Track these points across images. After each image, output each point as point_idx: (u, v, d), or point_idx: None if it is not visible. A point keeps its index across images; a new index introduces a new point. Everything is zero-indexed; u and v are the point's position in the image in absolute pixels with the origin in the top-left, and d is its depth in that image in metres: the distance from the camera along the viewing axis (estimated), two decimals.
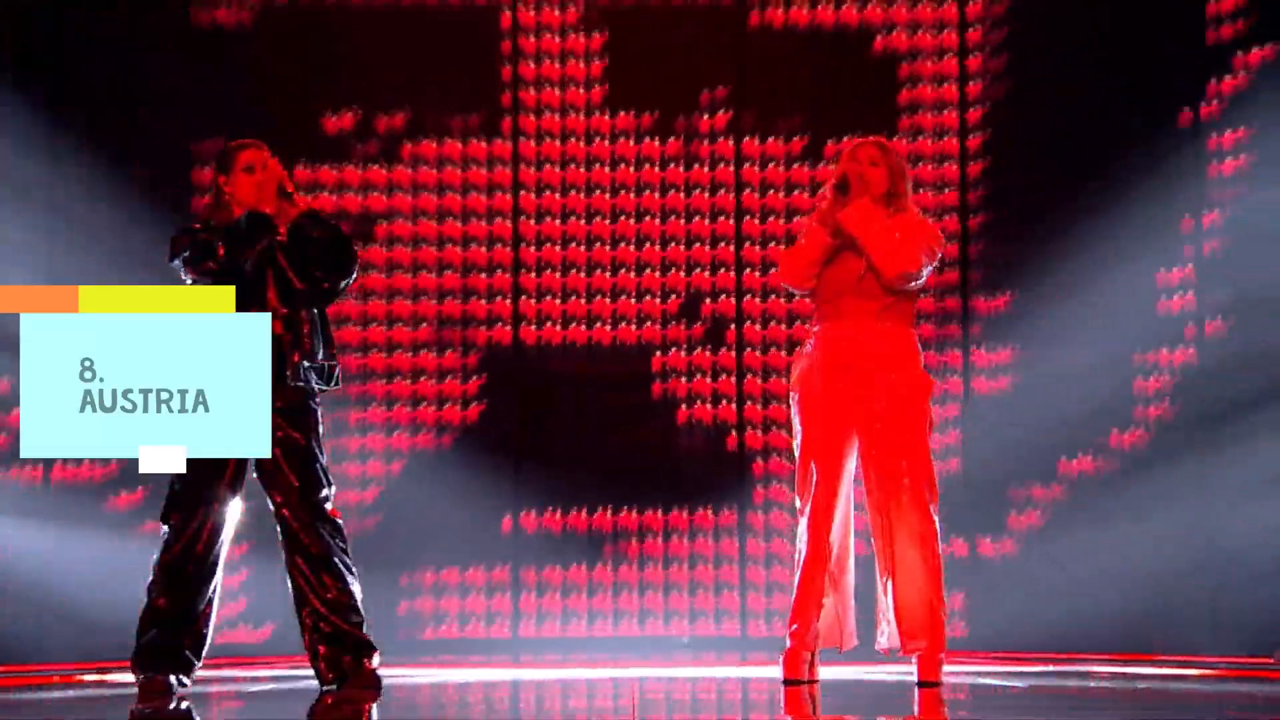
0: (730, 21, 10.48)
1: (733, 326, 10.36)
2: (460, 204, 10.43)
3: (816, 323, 6.97)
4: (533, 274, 10.41)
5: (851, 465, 6.91)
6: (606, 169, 10.46)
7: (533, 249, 10.43)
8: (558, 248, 10.44)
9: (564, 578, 10.25)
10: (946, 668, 6.87)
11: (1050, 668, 8.37)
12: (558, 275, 10.43)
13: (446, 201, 10.43)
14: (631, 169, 10.46)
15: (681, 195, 10.45)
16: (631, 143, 10.47)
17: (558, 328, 10.40)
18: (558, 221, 10.44)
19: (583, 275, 10.43)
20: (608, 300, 10.42)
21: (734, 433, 10.33)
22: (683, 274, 10.42)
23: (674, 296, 10.41)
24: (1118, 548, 9.80)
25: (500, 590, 10.24)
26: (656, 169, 10.45)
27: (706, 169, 10.44)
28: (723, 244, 10.44)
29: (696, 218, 10.44)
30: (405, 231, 10.42)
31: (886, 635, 6.87)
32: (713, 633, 10.24)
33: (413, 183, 10.43)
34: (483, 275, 10.41)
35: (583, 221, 10.45)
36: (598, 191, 10.46)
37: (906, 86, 10.44)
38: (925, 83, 10.43)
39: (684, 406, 10.34)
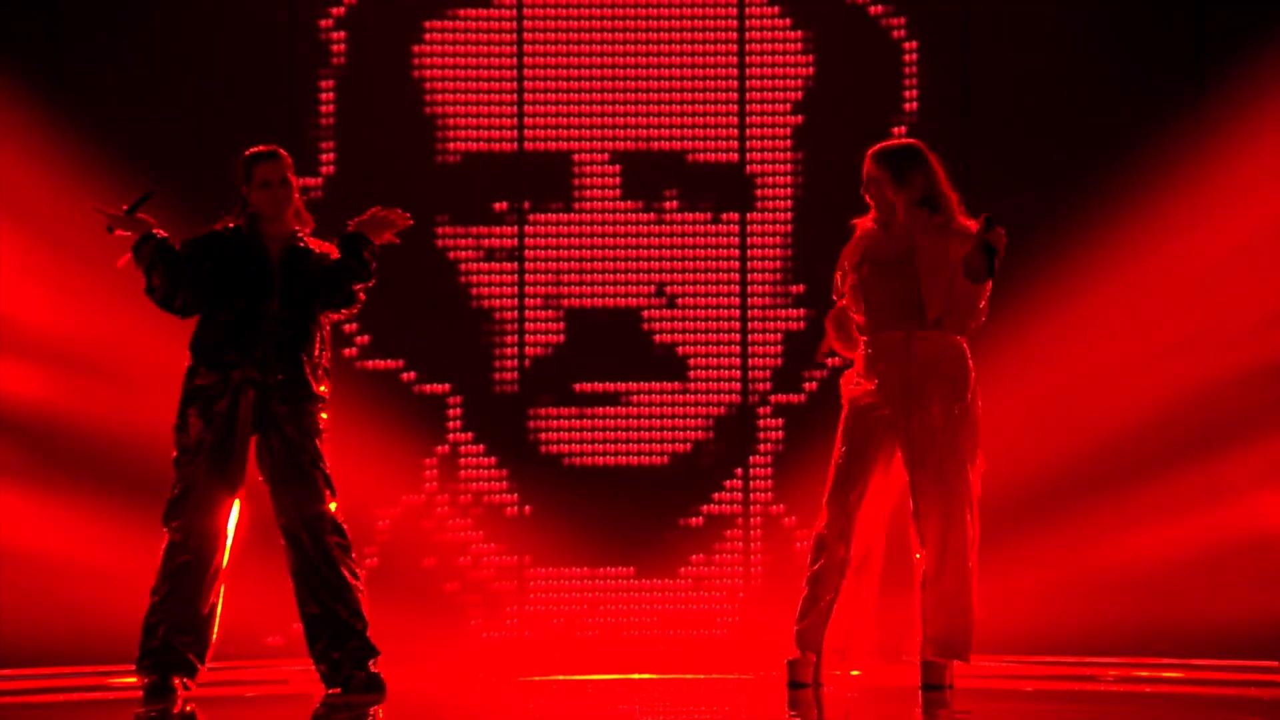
0: None
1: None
2: None
3: (866, 333, 6.92)
4: None
5: (886, 473, 6.84)
6: None
7: None
8: None
9: (569, 577, 10.22)
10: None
11: (1057, 670, 8.35)
12: None
13: None
14: None
15: None
16: None
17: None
18: None
19: None
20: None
21: (737, 429, 10.31)
22: None
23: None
24: (1123, 549, 9.79)
25: (506, 590, 10.22)
26: None
27: None
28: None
29: None
30: None
31: (919, 641, 6.78)
32: (717, 633, 10.22)
33: None
34: None
35: None
36: None
37: None
38: None
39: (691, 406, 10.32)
